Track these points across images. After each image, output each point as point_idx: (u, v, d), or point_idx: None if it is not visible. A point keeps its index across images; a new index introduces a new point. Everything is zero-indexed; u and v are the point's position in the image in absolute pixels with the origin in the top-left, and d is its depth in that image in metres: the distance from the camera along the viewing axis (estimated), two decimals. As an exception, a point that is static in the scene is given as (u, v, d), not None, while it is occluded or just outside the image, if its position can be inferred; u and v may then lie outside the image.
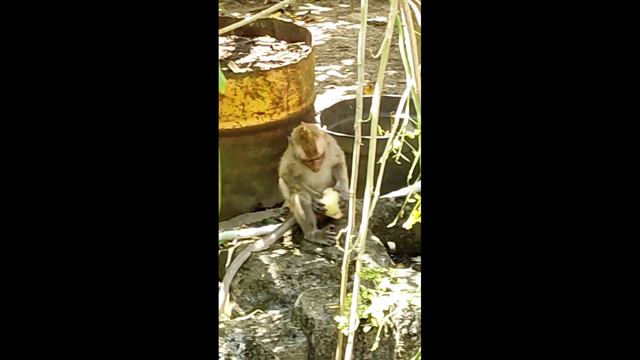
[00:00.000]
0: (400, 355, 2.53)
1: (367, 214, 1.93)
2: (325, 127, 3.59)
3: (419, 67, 1.79)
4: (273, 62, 3.65)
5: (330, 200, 2.93)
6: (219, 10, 4.59)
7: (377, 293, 2.62)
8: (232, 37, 3.92)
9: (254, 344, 2.58)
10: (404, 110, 1.95)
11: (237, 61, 3.68)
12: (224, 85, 0.67)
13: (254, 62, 3.67)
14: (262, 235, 3.00)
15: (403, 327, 2.54)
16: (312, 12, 6.11)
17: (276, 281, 2.82)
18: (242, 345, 2.58)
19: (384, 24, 5.66)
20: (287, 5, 5.47)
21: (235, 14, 5.81)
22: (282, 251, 2.96)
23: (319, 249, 2.93)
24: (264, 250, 2.95)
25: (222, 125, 3.37)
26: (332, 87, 4.84)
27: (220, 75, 0.68)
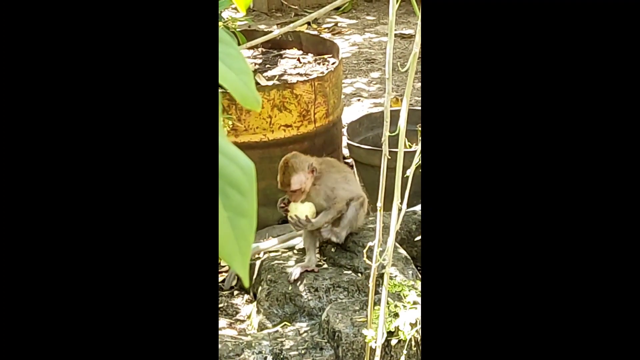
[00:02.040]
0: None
1: (394, 226, 1.93)
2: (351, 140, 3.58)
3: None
4: (300, 74, 3.66)
5: (299, 209, 2.85)
6: (246, 23, 4.61)
7: (405, 306, 2.61)
8: (260, 49, 3.94)
9: (281, 356, 2.58)
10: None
11: (265, 74, 3.69)
12: (259, 104, 0.67)
13: (281, 75, 3.68)
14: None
15: (430, 340, 2.53)
16: (339, 24, 6.12)
17: (303, 294, 2.82)
18: (270, 358, 2.58)
19: (411, 36, 5.66)
20: (314, 18, 5.49)
21: (263, 27, 5.83)
22: (309, 264, 2.96)
23: (345, 262, 2.93)
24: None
25: (249, 137, 3.38)
26: (359, 100, 4.85)
27: (255, 93, 0.68)
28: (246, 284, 0.63)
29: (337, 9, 6.20)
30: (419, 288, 2.71)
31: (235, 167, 0.60)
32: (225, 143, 0.61)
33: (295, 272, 2.82)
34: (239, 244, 0.60)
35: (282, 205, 2.85)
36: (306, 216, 2.81)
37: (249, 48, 3.86)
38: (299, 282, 2.83)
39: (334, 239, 2.85)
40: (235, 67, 0.68)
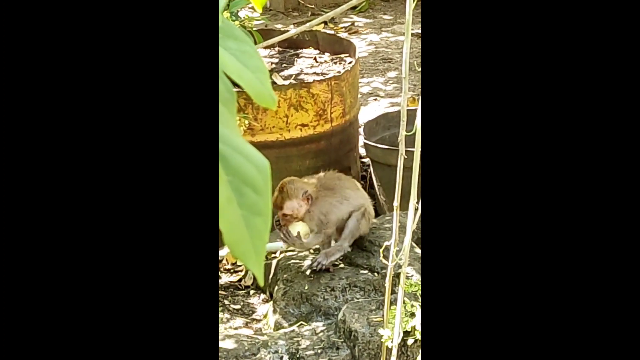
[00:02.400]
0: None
1: (410, 226, 1.92)
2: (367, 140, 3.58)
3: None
4: (317, 74, 3.66)
5: (293, 224, 2.86)
6: (263, 22, 4.61)
7: (421, 306, 2.60)
8: (276, 49, 3.94)
9: (297, 356, 2.58)
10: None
11: (281, 73, 3.69)
12: (275, 102, 0.67)
13: (298, 74, 3.68)
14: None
15: (447, 340, 2.52)
16: (355, 24, 6.12)
17: (319, 293, 2.82)
18: (286, 358, 2.58)
19: (428, 35, 5.63)
20: (330, 18, 5.49)
21: (279, 26, 5.83)
22: (325, 263, 2.95)
23: (362, 261, 2.92)
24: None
25: (266, 137, 3.39)
26: (375, 99, 4.84)
27: (271, 91, 0.67)
28: (261, 282, 0.63)
29: (353, 8, 6.19)
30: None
31: (250, 165, 0.60)
32: (241, 141, 0.60)
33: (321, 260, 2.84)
34: (253, 243, 0.59)
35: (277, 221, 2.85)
36: (298, 232, 2.83)
37: (266, 47, 3.86)
38: (314, 278, 2.82)
39: (339, 254, 2.87)
40: (251, 65, 0.68)
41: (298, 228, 2.87)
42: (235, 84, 0.66)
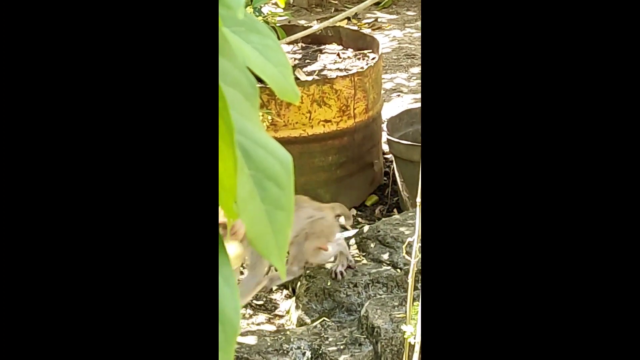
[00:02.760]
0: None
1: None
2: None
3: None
4: (340, 69, 3.65)
5: (229, 246, 2.69)
6: (286, 18, 4.61)
7: (444, 302, 2.59)
8: (299, 44, 3.93)
9: (320, 352, 2.58)
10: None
11: (304, 69, 3.69)
12: (298, 96, 0.66)
13: (321, 70, 3.68)
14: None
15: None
16: (379, 20, 6.11)
17: (342, 289, 2.81)
18: (308, 353, 2.58)
19: (452, 31, 5.61)
20: (354, 13, 5.47)
21: (302, 22, 5.83)
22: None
23: (385, 258, 2.92)
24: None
25: (289, 132, 3.38)
26: (399, 95, 4.83)
27: (294, 85, 0.67)
28: (283, 277, 0.63)
29: (377, 4, 6.18)
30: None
31: (273, 160, 0.60)
32: (263, 136, 0.60)
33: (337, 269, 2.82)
34: (276, 237, 0.59)
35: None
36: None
37: (289, 43, 3.86)
38: (339, 278, 2.82)
39: (290, 277, 2.81)
40: (274, 59, 0.68)
41: (232, 251, 2.63)
42: (258, 79, 0.66)
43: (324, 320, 2.77)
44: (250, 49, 0.67)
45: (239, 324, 0.56)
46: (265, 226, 0.59)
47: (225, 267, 0.57)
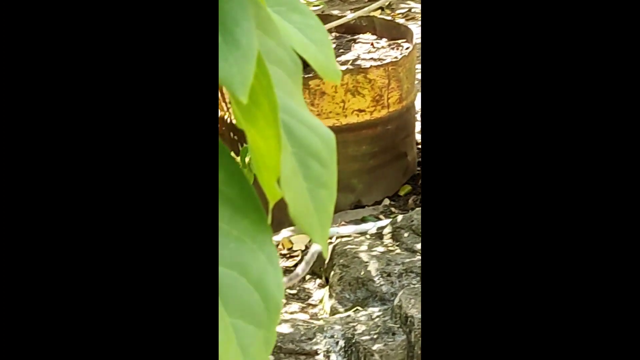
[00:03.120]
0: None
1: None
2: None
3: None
4: (374, 59, 3.65)
5: None
6: (320, 7, 4.60)
7: (478, 292, 2.59)
8: (333, 34, 3.93)
9: (353, 341, 2.58)
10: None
11: (338, 59, 3.68)
12: (339, 76, 0.66)
13: (355, 60, 3.67)
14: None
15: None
16: (412, 10, 6.08)
17: (375, 278, 2.81)
18: (341, 342, 2.58)
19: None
20: (387, 3, 5.46)
21: (336, 12, 5.82)
22: (381, 249, 2.95)
23: (419, 247, 2.91)
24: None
25: (322, 122, 3.37)
26: (432, 85, 4.81)
27: (335, 65, 0.67)
28: (325, 254, 0.63)
29: (410, -6, 6.16)
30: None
31: (315, 137, 0.59)
32: (306, 113, 0.60)
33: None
34: (318, 216, 0.59)
35: None
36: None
37: (323, 33, 3.85)
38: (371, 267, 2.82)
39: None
40: (316, 38, 0.67)
41: None
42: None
43: (357, 309, 2.77)
44: (292, 29, 0.67)
45: (281, 301, 0.56)
46: (308, 204, 0.59)
47: (268, 245, 0.57)
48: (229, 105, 3.50)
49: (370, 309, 2.75)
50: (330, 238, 3.09)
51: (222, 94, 3.37)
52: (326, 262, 3.01)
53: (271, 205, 0.61)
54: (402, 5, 6.17)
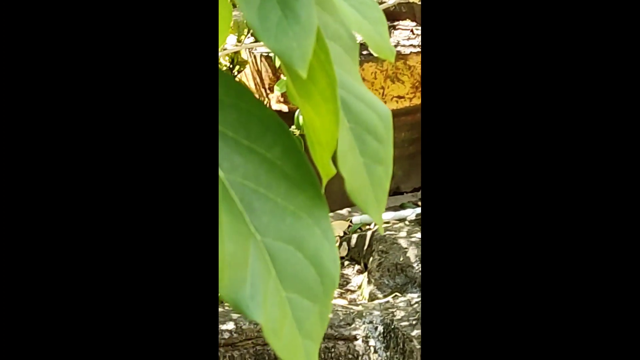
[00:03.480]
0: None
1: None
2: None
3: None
4: (413, 46, 3.63)
5: None
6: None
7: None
8: (373, 21, 3.92)
9: (392, 326, 2.58)
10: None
11: (378, 45, 3.68)
12: (394, 54, 0.66)
13: (395, 46, 3.66)
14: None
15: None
16: (451, -3, 6.06)
17: (414, 265, 2.81)
18: (380, 328, 2.59)
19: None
20: (426, -10, 5.42)
21: None
22: (420, 235, 2.94)
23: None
24: None
25: (362, 108, 3.38)
26: (471, 73, 4.79)
27: (389, 43, 0.67)
28: (381, 230, 0.63)
29: (450, -19, 6.12)
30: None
31: (372, 113, 0.60)
32: (363, 89, 0.60)
33: None
34: (374, 191, 0.59)
35: None
36: None
37: (362, 19, 3.85)
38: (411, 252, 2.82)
39: None
40: (370, 16, 0.68)
41: None
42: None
43: (396, 295, 2.77)
44: (347, 6, 0.67)
45: (338, 276, 0.56)
46: (364, 180, 0.59)
47: (325, 221, 0.57)
48: (268, 91, 3.50)
49: (409, 295, 2.75)
50: (370, 224, 3.10)
51: (262, 80, 3.37)
52: (365, 248, 3.01)
53: (324, 182, 0.61)
54: (442, -8, 6.14)
